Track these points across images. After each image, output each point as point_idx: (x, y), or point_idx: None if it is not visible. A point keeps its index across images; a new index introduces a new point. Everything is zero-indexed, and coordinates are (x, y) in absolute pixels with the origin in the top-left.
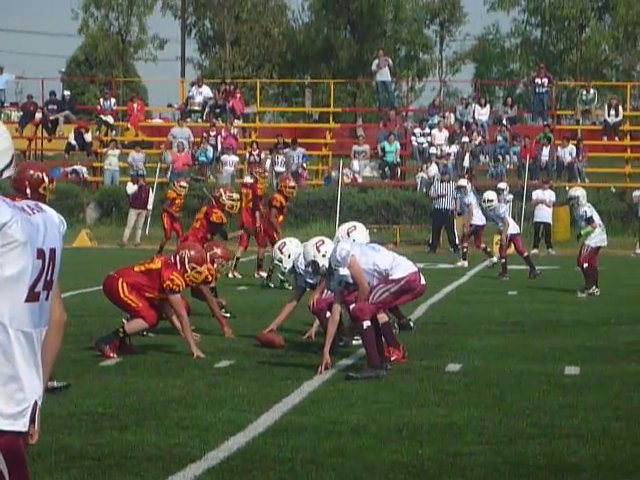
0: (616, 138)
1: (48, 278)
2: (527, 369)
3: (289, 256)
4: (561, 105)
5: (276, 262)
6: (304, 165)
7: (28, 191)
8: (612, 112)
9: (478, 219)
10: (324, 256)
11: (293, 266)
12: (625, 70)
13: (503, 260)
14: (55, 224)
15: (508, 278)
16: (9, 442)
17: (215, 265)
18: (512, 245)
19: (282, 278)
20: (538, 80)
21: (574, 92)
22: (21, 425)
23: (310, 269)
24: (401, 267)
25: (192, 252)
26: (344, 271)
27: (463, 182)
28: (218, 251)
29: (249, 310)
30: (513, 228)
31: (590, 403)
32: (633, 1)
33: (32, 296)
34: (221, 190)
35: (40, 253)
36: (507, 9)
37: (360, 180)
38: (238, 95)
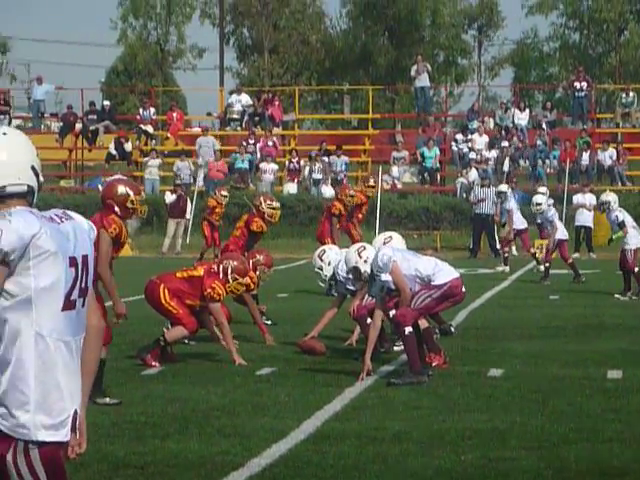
0: None
1: (83, 285)
2: (569, 373)
3: (329, 263)
4: (601, 108)
5: (316, 270)
6: (344, 172)
7: (116, 209)
8: None
9: (519, 223)
10: (366, 262)
11: (333, 273)
12: None
13: (547, 264)
14: (85, 231)
15: (549, 282)
16: (50, 453)
17: (257, 272)
18: (557, 250)
19: (323, 286)
20: (577, 84)
21: (613, 95)
22: (62, 435)
23: (351, 275)
24: (443, 272)
25: (235, 263)
26: (386, 277)
27: (503, 187)
28: (261, 258)
29: (290, 317)
30: (561, 233)
31: (633, 407)
32: None
33: (68, 304)
34: (261, 198)
35: (72, 261)
36: (545, 13)
37: (400, 186)
38: (277, 103)
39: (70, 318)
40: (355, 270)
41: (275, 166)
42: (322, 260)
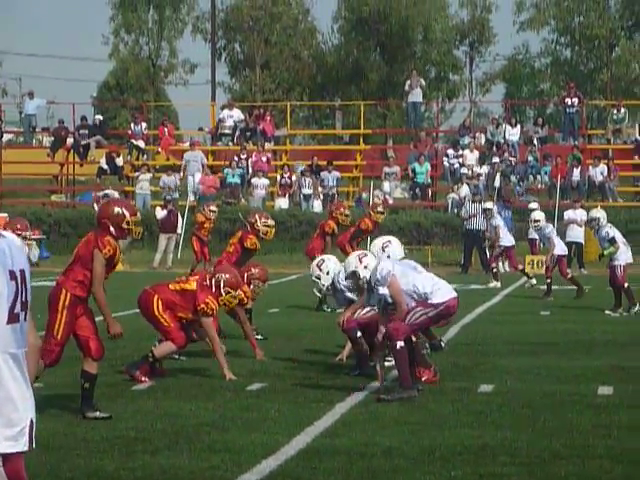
0: None
1: (23, 299)
2: (560, 389)
3: (327, 273)
4: (592, 124)
5: (314, 279)
6: (336, 188)
7: (112, 229)
8: None
9: (507, 240)
10: (366, 268)
11: (333, 283)
12: None
13: (549, 280)
14: (18, 247)
15: (552, 298)
16: (13, 464)
17: (252, 286)
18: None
19: (319, 295)
20: (568, 100)
21: (605, 111)
22: (22, 445)
23: (349, 281)
24: (441, 292)
25: (228, 276)
26: (384, 290)
27: (489, 205)
28: (256, 272)
29: (281, 332)
30: (560, 249)
31: (624, 423)
32: None
33: (13, 317)
34: (256, 216)
35: (12, 275)
36: (537, 29)
37: (391, 201)
38: (268, 118)
39: (15, 331)
40: (354, 275)
41: (266, 181)
42: (320, 269)
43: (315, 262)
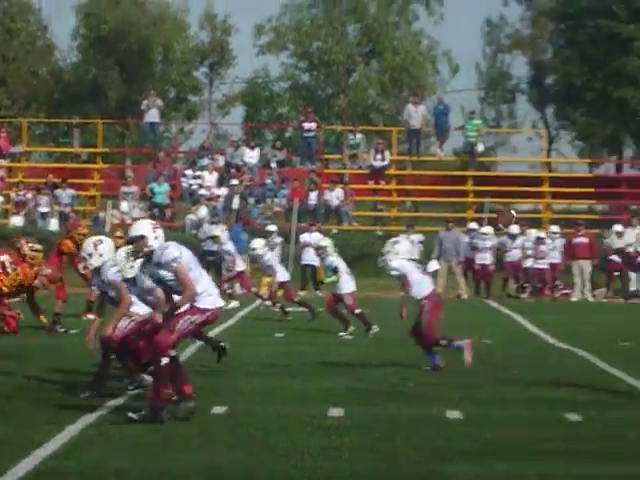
0: (382, 182)
1: None
2: (291, 411)
3: (101, 255)
4: (329, 149)
5: (85, 254)
6: (71, 206)
7: None
8: (378, 156)
9: (239, 265)
10: (156, 239)
11: (100, 267)
12: (391, 115)
13: (277, 304)
14: None
15: (291, 318)
16: None
17: (37, 281)
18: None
19: (82, 272)
20: (306, 124)
21: (341, 136)
22: None
23: (132, 246)
24: (211, 299)
25: (5, 255)
26: (167, 274)
27: (217, 231)
28: (48, 271)
29: (12, 353)
30: (282, 276)
31: (355, 444)
32: (399, 47)
33: None
34: (22, 241)
35: None
36: (276, 53)
37: (129, 221)
38: (4, 134)
39: None
40: (141, 239)
41: (0, 198)
42: (96, 249)
43: (93, 239)
